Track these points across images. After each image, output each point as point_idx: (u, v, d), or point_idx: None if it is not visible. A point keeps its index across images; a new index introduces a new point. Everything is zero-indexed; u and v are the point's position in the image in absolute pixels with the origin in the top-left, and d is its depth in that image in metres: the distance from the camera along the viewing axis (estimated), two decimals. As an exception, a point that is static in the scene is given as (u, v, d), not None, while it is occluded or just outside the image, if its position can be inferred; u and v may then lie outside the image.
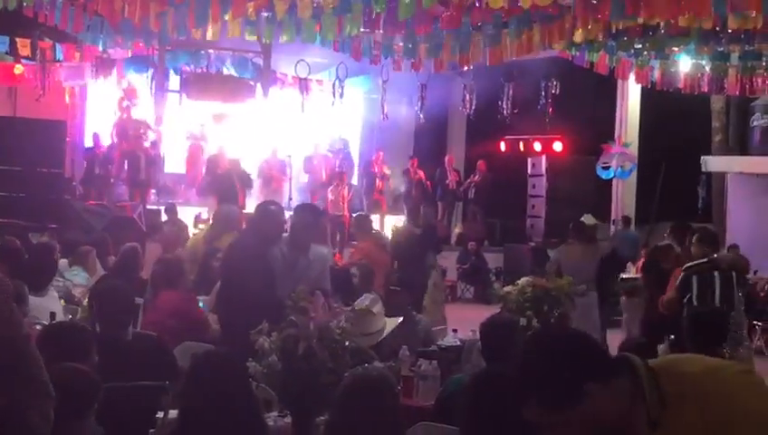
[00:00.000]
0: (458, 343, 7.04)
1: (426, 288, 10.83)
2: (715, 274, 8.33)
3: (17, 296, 5.48)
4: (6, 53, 17.02)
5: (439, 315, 10.97)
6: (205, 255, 9.22)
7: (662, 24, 11.40)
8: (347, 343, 4.48)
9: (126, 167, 18.35)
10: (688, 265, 8.40)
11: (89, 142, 19.29)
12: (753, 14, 9.48)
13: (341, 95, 17.98)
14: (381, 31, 12.14)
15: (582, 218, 12.25)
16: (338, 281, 7.04)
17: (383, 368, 4.05)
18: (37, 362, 3.04)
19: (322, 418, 4.36)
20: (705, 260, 8.39)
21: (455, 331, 7.54)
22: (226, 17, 10.49)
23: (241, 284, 6.71)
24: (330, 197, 18.84)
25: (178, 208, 16.45)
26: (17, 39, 16.51)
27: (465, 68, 14.99)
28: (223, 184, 16.87)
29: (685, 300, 8.08)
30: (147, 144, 18.62)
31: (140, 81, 18.63)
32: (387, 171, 20.52)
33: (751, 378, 2.67)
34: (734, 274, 8.48)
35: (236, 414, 3.61)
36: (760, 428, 2.50)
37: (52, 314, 6.70)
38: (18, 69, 17.37)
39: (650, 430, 2.51)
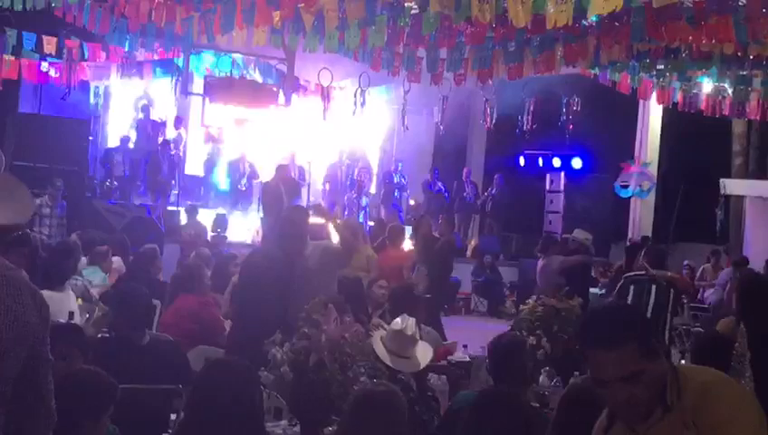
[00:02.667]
0: (468, 358, 7.10)
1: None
2: (653, 287, 8.97)
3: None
4: (32, 51, 17.14)
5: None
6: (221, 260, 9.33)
7: (684, 47, 11.46)
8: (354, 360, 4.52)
9: (145, 167, 18.50)
10: (628, 274, 9.04)
11: (112, 142, 19.43)
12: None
13: (363, 104, 18.04)
14: (403, 44, 12.21)
15: (575, 232, 12.79)
16: (348, 291, 7.04)
17: (392, 384, 4.10)
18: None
19: (330, 429, 4.44)
20: (644, 273, 9.08)
21: (465, 346, 7.61)
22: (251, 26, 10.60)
23: (260, 291, 6.80)
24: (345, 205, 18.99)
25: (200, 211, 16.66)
26: (44, 36, 16.63)
27: (490, 82, 15.04)
28: (267, 195, 17.03)
29: None
30: (170, 146, 18.80)
31: (164, 82, 18.77)
32: (405, 182, 20.61)
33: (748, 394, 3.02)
34: (672, 291, 9.12)
35: (237, 422, 3.68)
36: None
37: (71, 314, 6.79)
38: (44, 66, 17.51)
39: (663, 413, 2.77)
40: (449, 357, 7.10)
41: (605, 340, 2.76)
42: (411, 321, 5.46)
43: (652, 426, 2.79)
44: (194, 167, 20.12)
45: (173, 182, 18.77)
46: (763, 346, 5.51)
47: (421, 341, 5.62)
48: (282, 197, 17.23)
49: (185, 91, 17.94)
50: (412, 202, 21.16)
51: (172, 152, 19.03)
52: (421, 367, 5.58)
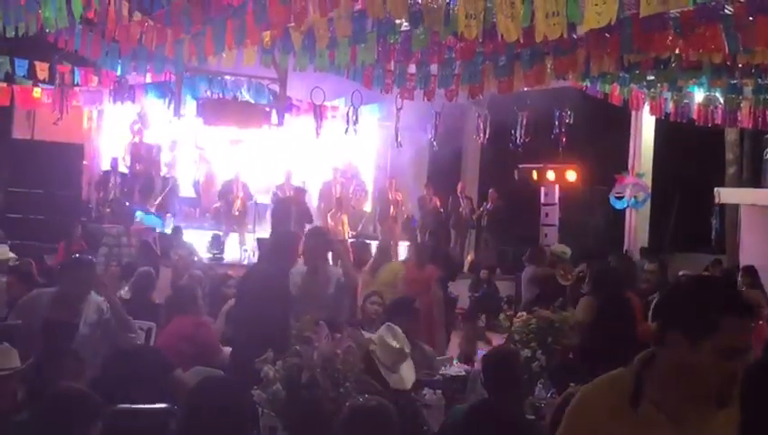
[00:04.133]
0: (463, 372, 7.09)
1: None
2: None
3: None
4: (25, 77, 17.19)
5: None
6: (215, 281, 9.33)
7: (673, 57, 11.48)
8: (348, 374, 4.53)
9: (138, 190, 18.51)
10: None
11: (105, 165, 19.44)
12: (761, 50, 9.56)
13: (356, 122, 18.07)
14: (395, 61, 12.25)
15: (552, 246, 13.24)
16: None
17: (383, 399, 4.10)
18: None
19: (324, 445, 4.44)
20: None
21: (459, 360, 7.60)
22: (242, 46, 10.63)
23: (257, 309, 6.84)
24: (329, 222, 19.00)
25: (192, 232, 16.60)
26: (36, 63, 16.68)
27: (480, 96, 15.08)
28: (278, 211, 17.17)
29: None
30: (163, 168, 18.82)
31: (156, 105, 18.80)
32: (399, 198, 20.63)
33: None
34: None
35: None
36: None
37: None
38: (36, 92, 17.55)
39: (718, 407, 2.80)
40: (443, 371, 7.09)
41: (750, 310, 2.81)
42: (401, 335, 5.48)
43: (707, 418, 2.81)
44: (188, 189, 20.13)
45: (168, 205, 18.74)
46: None
47: (407, 360, 5.62)
48: (290, 217, 17.40)
49: (177, 114, 17.96)
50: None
51: (167, 175, 19.04)
52: (407, 387, 5.59)
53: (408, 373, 5.58)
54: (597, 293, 8.10)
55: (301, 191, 18.72)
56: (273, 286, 7.04)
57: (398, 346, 5.46)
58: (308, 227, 17.39)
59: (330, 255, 9.12)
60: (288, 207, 17.89)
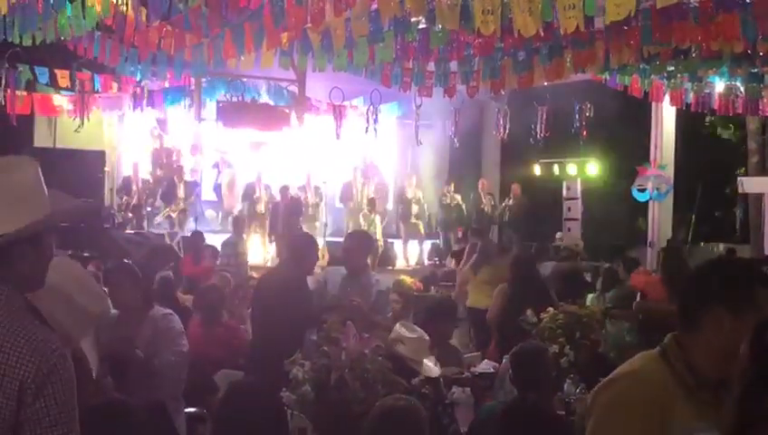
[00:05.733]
0: (492, 369, 7.06)
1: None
2: None
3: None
4: (46, 85, 17.28)
5: None
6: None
7: (693, 47, 11.42)
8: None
9: (160, 195, 18.56)
10: None
11: (127, 171, 19.52)
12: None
13: (375, 121, 18.05)
14: (413, 59, 12.23)
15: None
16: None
17: (412, 398, 4.09)
18: None
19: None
20: None
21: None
22: (261, 48, 10.64)
23: (278, 313, 6.81)
24: (362, 222, 18.97)
25: (215, 236, 16.65)
26: (57, 71, 16.77)
27: (501, 92, 15.05)
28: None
29: None
30: (186, 174, 18.88)
31: (176, 110, 18.86)
32: (420, 195, 20.62)
33: None
34: None
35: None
36: None
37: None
38: (57, 100, 17.64)
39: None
40: (472, 369, 7.06)
41: None
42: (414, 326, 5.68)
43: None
44: (211, 192, 20.20)
45: (190, 209, 18.79)
46: None
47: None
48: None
49: (197, 118, 18.02)
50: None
51: (188, 179, 19.09)
52: (437, 373, 5.81)
53: (431, 360, 5.76)
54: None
55: (285, 189, 18.72)
56: (289, 291, 6.99)
57: (416, 335, 5.63)
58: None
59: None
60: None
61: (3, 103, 15.89)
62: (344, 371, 4.46)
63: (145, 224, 18.44)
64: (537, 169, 21.90)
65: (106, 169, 18.45)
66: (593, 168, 21.05)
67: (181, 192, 18.55)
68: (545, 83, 13.56)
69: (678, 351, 2.85)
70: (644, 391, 2.82)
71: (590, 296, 10.75)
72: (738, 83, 14.83)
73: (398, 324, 5.96)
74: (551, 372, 5.38)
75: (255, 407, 3.74)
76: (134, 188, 18.80)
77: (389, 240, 20.07)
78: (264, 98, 18.47)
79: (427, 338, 5.81)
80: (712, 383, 2.81)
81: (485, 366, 7.28)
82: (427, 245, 20.70)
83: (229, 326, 8.08)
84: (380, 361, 4.63)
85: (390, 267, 18.65)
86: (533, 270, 9.95)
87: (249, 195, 19.07)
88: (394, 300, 8.23)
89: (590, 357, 6.77)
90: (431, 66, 13.31)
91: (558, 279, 12.09)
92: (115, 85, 17.77)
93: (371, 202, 19.63)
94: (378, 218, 19.44)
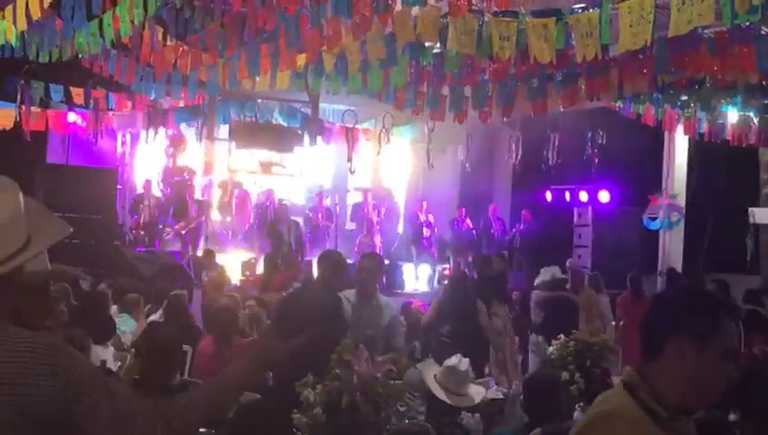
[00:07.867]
0: (501, 395, 7.04)
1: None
2: None
3: (81, 347, 5.58)
4: (61, 102, 17.37)
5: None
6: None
7: (708, 77, 11.43)
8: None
9: (172, 214, 18.59)
10: None
11: (140, 189, 19.57)
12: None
13: (387, 144, 18.11)
14: (427, 83, 12.25)
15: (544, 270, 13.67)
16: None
17: (423, 423, 4.08)
18: None
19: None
20: None
21: (497, 383, 7.55)
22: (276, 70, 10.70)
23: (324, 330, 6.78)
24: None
25: (225, 255, 16.66)
26: (72, 88, 16.85)
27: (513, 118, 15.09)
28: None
29: None
30: (197, 192, 18.91)
31: (190, 129, 18.91)
32: (431, 220, 20.62)
33: None
34: None
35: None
36: None
37: (103, 362, 6.80)
38: (71, 117, 17.72)
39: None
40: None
41: (738, 313, 2.89)
42: (465, 360, 5.68)
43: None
44: (221, 211, 20.19)
45: (201, 228, 18.80)
46: None
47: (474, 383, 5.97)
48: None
49: (210, 137, 18.07)
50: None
51: (200, 198, 19.12)
52: (475, 402, 6.21)
53: (476, 391, 6.27)
54: None
55: (284, 207, 18.82)
56: (327, 309, 6.94)
57: (462, 369, 6.09)
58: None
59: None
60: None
61: (18, 119, 15.96)
62: (356, 394, 4.45)
63: (157, 242, 18.45)
64: (548, 196, 21.88)
65: (119, 186, 18.49)
66: (605, 195, 21.03)
67: (192, 211, 18.57)
68: (559, 110, 13.58)
69: (643, 383, 2.79)
70: (623, 431, 2.75)
71: None
72: (752, 114, 14.82)
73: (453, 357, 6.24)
74: (564, 402, 5.36)
75: (266, 426, 3.74)
76: (146, 204, 18.83)
77: (399, 262, 20.07)
78: (277, 118, 18.52)
79: (464, 369, 6.19)
80: (683, 411, 2.79)
81: (495, 391, 7.26)
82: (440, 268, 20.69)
83: (241, 346, 8.05)
84: (392, 385, 4.62)
85: (399, 291, 18.64)
86: (465, 287, 11.63)
87: (261, 208, 19.10)
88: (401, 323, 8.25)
89: (601, 386, 6.73)
90: (445, 90, 13.34)
91: (542, 308, 12.33)
92: (129, 104, 17.85)
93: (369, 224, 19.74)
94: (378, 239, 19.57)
